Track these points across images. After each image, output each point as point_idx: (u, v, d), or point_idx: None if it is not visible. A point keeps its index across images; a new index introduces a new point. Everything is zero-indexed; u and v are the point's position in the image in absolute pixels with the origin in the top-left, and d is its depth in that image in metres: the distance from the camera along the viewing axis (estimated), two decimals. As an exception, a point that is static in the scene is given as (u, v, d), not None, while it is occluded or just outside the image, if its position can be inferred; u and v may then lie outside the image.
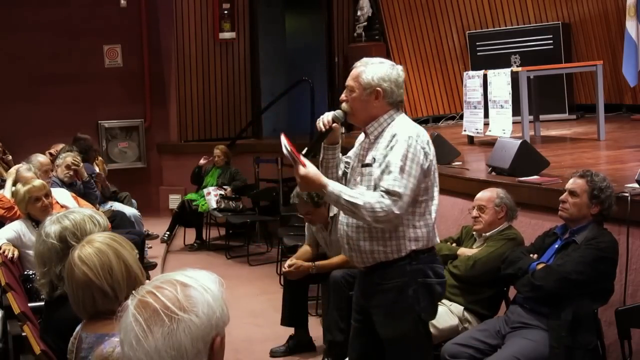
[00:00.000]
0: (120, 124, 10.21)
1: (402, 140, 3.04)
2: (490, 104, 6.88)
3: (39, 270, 2.84)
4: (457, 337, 3.79)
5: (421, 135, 3.10)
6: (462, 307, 4.02)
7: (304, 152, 3.19)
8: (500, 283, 4.01)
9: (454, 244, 4.30)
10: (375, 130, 3.18)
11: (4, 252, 4.38)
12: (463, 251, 4.16)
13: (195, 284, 1.43)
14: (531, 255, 3.78)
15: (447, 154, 5.91)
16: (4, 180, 5.98)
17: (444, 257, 4.18)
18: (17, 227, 4.62)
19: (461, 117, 8.01)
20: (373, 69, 3.16)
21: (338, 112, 3.21)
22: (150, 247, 7.81)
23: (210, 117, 10.27)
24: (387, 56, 9.57)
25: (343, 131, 3.24)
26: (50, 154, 7.24)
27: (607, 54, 8.84)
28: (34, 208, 4.62)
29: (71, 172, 6.51)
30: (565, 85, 8.99)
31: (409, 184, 2.99)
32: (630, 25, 7.35)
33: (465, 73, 7.60)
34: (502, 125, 6.64)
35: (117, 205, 7.35)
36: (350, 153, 3.37)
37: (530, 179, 4.77)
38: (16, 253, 4.44)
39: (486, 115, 6.96)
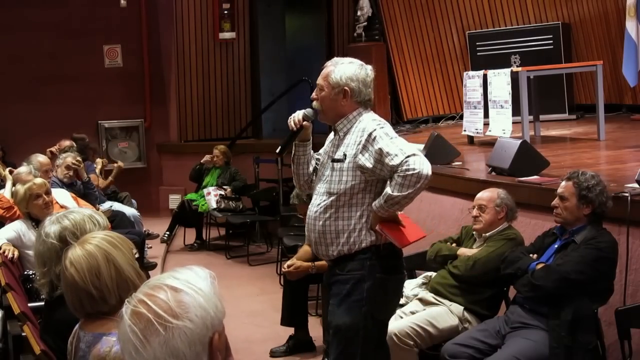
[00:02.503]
0: (120, 124, 10.21)
1: (376, 128, 3.15)
2: (490, 104, 6.88)
3: (39, 270, 2.84)
4: (457, 337, 3.80)
5: (387, 124, 3.23)
6: (462, 307, 4.02)
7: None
8: (500, 283, 4.01)
9: (453, 244, 4.29)
10: (344, 127, 3.28)
11: (4, 252, 4.38)
12: (463, 251, 4.15)
13: (186, 287, 1.43)
14: (531, 255, 3.78)
15: (447, 154, 5.92)
16: (4, 181, 5.98)
17: (444, 257, 4.20)
18: (17, 227, 4.62)
19: (461, 117, 8.00)
20: (342, 69, 3.25)
21: (308, 111, 3.31)
22: (150, 247, 7.81)
23: (210, 117, 10.26)
24: (387, 56, 9.57)
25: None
26: (51, 152, 7.22)
27: (607, 54, 8.83)
28: (34, 206, 4.61)
29: (71, 173, 6.51)
30: (565, 85, 8.97)
31: (405, 142, 3.14)
32: (630, 25, 7.34)
33: (465, 73, 7.59)
34: (502, 125, 6.64)
35: (117, 205, 7.35)
36: (321, 150, 3.47)
37: (530, 179, 4.77)
38: (16, 253, 4.43)
39: (486, 115, 6.96)
